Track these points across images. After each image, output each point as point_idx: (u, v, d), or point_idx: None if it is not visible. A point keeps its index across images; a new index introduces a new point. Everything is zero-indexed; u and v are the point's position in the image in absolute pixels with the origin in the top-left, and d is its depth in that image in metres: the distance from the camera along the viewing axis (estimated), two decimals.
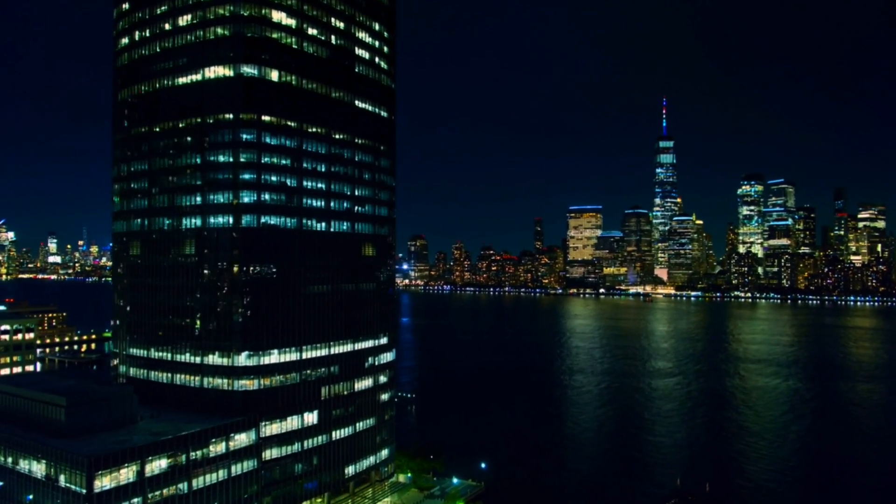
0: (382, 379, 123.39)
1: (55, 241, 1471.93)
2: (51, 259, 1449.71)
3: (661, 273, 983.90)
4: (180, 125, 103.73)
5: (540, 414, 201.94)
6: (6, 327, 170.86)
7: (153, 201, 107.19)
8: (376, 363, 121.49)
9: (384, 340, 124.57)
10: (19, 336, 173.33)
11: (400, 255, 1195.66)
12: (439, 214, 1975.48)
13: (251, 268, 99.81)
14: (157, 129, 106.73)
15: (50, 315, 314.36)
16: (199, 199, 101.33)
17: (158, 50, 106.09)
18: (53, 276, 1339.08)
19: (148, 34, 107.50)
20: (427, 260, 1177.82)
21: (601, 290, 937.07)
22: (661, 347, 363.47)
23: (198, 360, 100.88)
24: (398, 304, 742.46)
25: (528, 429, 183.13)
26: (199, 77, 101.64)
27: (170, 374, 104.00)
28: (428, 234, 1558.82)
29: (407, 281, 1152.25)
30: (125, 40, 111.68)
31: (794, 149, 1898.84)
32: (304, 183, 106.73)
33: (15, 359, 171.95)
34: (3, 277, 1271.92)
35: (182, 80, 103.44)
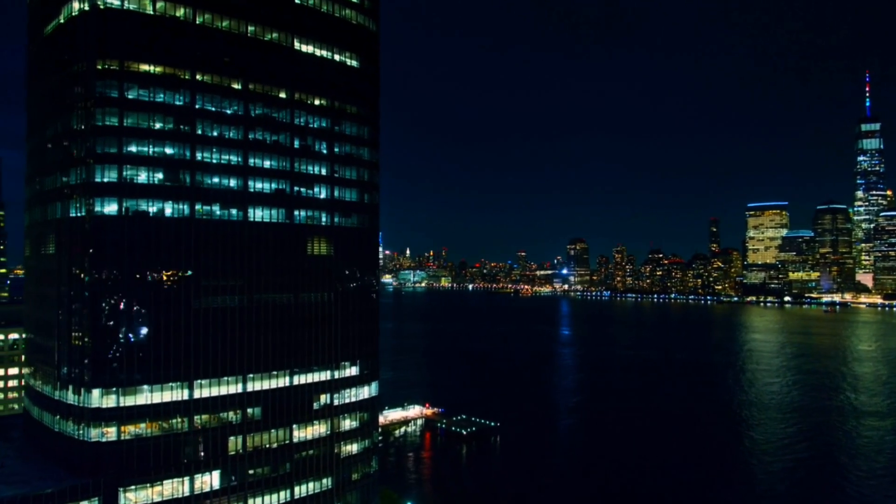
0: (349, 424, 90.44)
1: None
2: None
3: (865, 279, 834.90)
4: (53, 84, 79.56)
5: (682, 466, 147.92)
6: None
7: (32, 186, 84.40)
8: (335, 402, 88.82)
9: (352, 371, 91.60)
10: None
11: (563, 259, 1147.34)
12: (602, 217, 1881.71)
13: (109, 272, 72.26)
14: (40, 91, 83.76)
15: None
16: (60, 180, 76.23)
17: None
18: None
19: None
20: (587, 264, 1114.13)
21: (786, 298, 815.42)
22: (864, 374, 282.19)
23: (56, 395, 75.57)
24: (555, 311, 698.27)
25: (649, 486, 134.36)
26: (61, 19, 76.72)
27: (40, 411, 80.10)
28: (589, 237, 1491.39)
29: (566, 286, 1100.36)
30: None
31: None
32: (201, 155, 77.40)
33: None
34: None
35: (51, 27, 79.36)
